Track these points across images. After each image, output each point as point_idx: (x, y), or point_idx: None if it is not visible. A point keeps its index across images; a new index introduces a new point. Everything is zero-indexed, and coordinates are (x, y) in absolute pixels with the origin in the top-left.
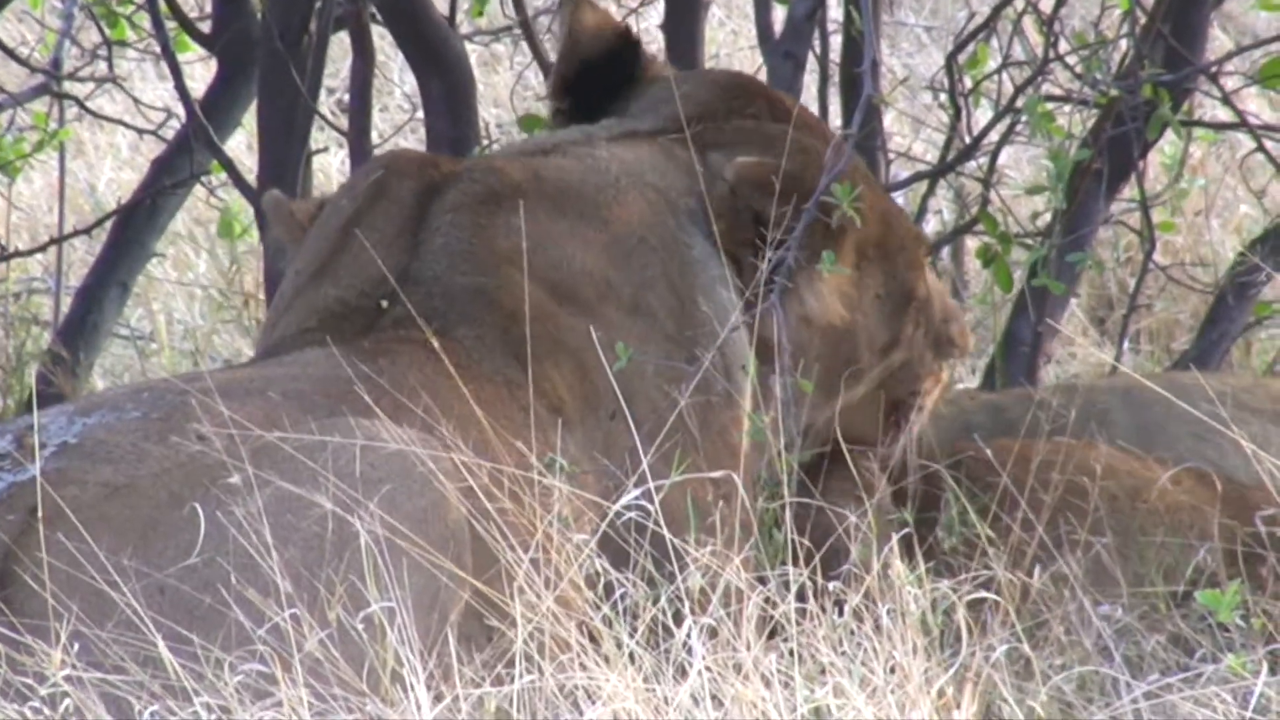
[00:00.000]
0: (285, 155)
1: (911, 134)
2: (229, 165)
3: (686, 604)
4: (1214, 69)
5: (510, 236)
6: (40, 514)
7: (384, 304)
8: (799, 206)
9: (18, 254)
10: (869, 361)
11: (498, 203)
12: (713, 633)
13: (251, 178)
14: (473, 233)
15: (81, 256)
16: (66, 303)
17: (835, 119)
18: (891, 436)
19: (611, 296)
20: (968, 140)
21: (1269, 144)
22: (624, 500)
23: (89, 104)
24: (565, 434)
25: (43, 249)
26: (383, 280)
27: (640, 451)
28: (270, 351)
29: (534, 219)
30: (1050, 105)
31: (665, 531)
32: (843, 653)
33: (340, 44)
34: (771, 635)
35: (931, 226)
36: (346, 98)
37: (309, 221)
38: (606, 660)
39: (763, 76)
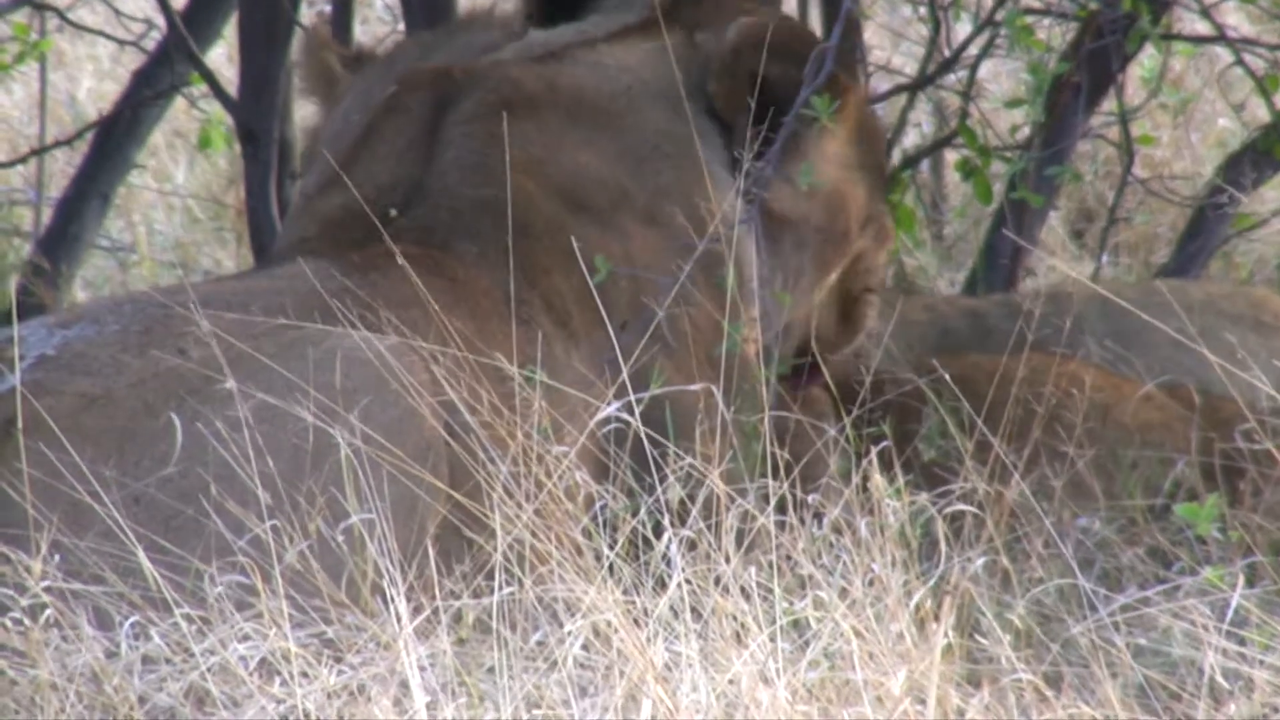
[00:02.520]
0: (266, 67)
1: (891, 47)
2: (209, 76)
3: (666, 516)
4: None
5: (524, 146)
6: (20, 425)
7: (392, 213)
8: (798, 66)
9: None
10: (855, 235)
11: (512, 112)
12: (692, 545)
13: (232, 89)
14: (485, 143)
15: (62, 168)
16: (47, 214)
17: (816, 31)
18: (848, 336)
19: (626, 205)
20: (947, 53)
21: (1248, 57)
22: (603, 413)
23: (69, 15)
24: (570, 346)
25: (23, 160)
26: (391, 189)
27: (621, 362)
28: (267, 261)
29: (548, 128)
30: (1029, 19)
31: (646, 443)
32: (821, 565)
33: None
34: (750, 548)
35: (911, 140)
36: (328, 8)
37: (343, 69)
38: (585, 573)
39: None
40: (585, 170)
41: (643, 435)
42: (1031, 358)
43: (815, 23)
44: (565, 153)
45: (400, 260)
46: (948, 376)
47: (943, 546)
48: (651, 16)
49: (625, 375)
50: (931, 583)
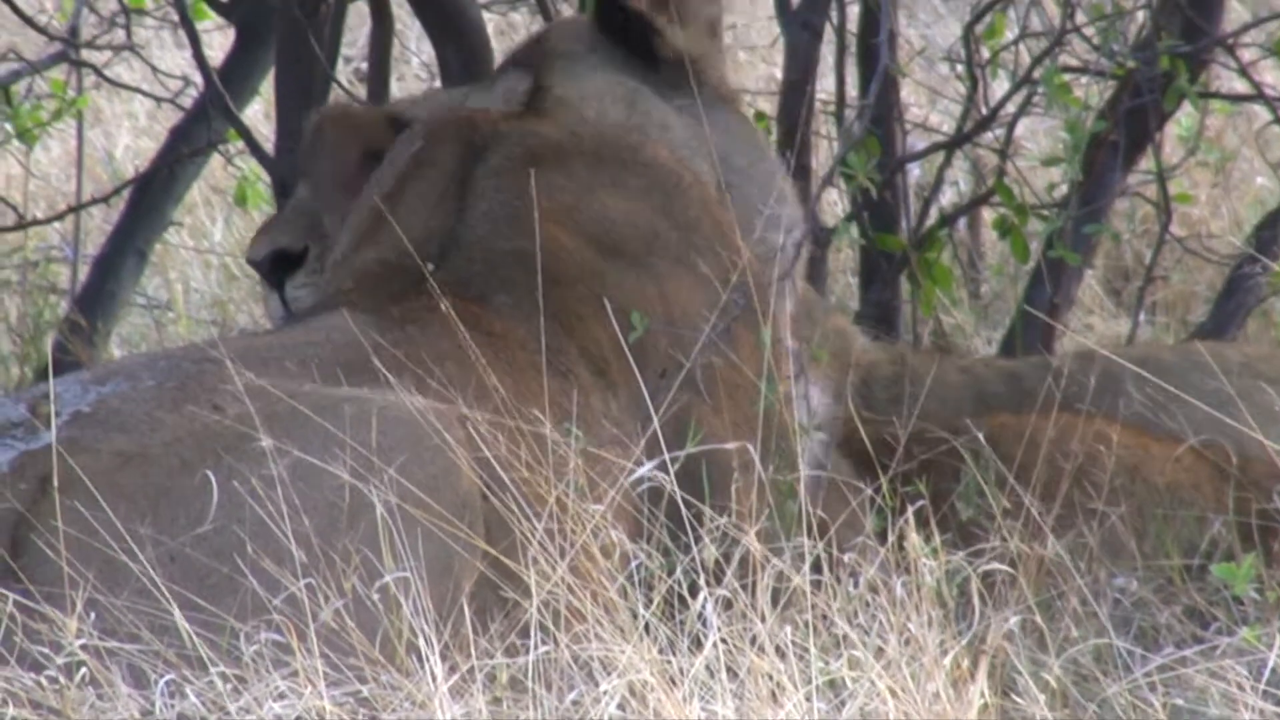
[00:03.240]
0: (302, 123)
1: (928, 105)
2: (246, 133)
3: (702, 575)
4: (1231, 40)
5: (554, 195)
6: (56, 483)
7: (429, 267)
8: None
9: (36, 222)
10: None
11: (540, 162)
12: (728, 604)
13: (269, 146)
14: (516, 195)
15: (99, 225)
16: (84, 271)
17: (852, 89)
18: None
19: (659, 245)
20: (984, 111)
21: None
22: (638, 473)
23: (107, 72)
24: (609, 395)
25: (60, 217)
26: (425, 242)
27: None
28: (302, 316)
29: (576, 175)
30: (1067, 76)
31: (681, 503)
32: (857, 624)
33: (358, 12)
34: (786, 607)
35: (948, 197)
36: (364, 66)
37: (374, 129)
38: (622, 631)
39: (780, 48)
40: (615, 214)
41: (678, 496)
42: (1059, 417)
43: (852, 82)
44: (594, 198)
45: (445, 309)
46: (980, 436)
47: (977, 605)
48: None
49: (657, 426)
50: (965, 641)
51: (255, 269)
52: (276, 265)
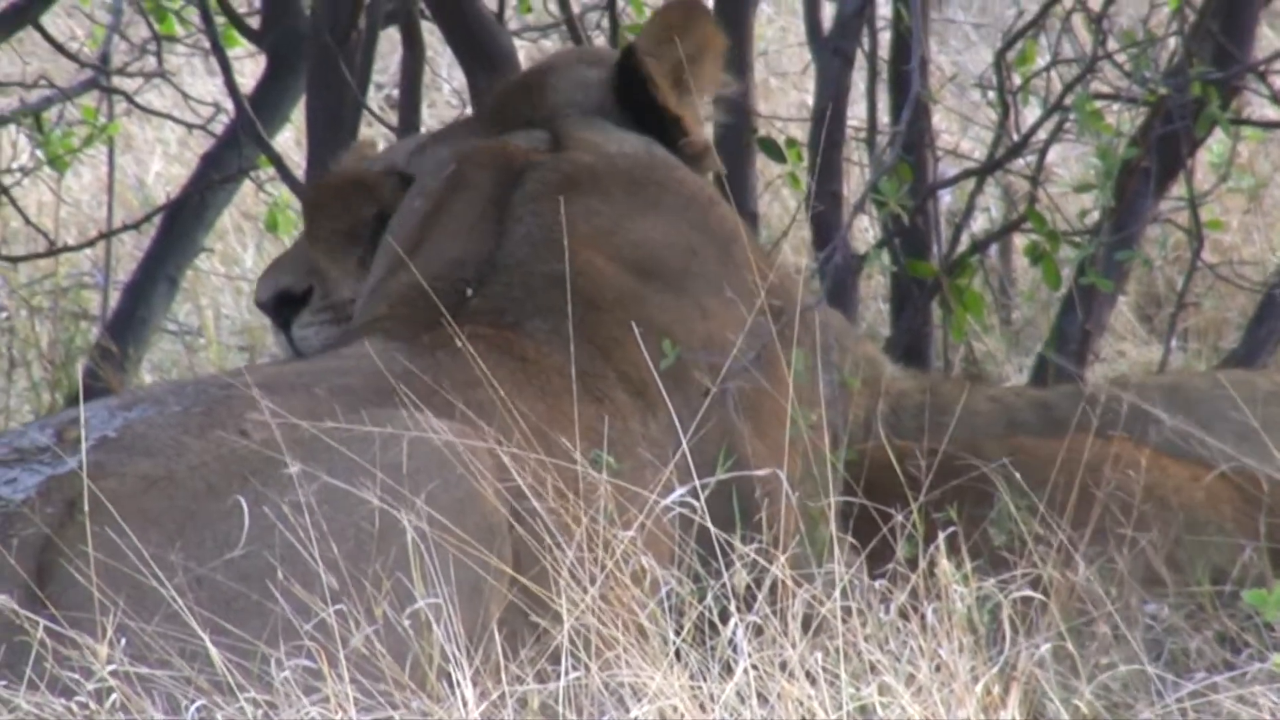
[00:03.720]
0: (333, 150)
1: (960, 131)
2: (277, 160)
3: (733, 601)
4: (1263, 67)
5: (590, 220)
6: (86, 508)
7: (469, 293)
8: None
9: (67, 249)
10: None
11: (576, 187)
12: (758, 630)
13: (300, 173)
14: (553, 220)
15: (130, 251)
16: (115, 297)
17: (884, 116)
18: None
19: (697, 265)
20: (1016, 138)
21: None
22: (669, 499)
23: (138, 99)
24: (648, 417)
25: (91, 243)
26: (461, 265)
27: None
28: (335, 343)
29: (613, 200)
30: (1099, 103)
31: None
32: (888, 651)
33: (389, 39)
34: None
35: (979, 224)
36: (395, 93)
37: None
38: (652, 657)
39: (811, 74)
40: (654, 235)
41: (709, 523)
42: (1079, 442)
43: (883, 108)
44: (631, 221)
45: (461, 343)
46: (1006, 461)
47: (1007, 631)
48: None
49: (685, 448)
50: (996, 668)
51: (261, 310)
52: (281, 306)
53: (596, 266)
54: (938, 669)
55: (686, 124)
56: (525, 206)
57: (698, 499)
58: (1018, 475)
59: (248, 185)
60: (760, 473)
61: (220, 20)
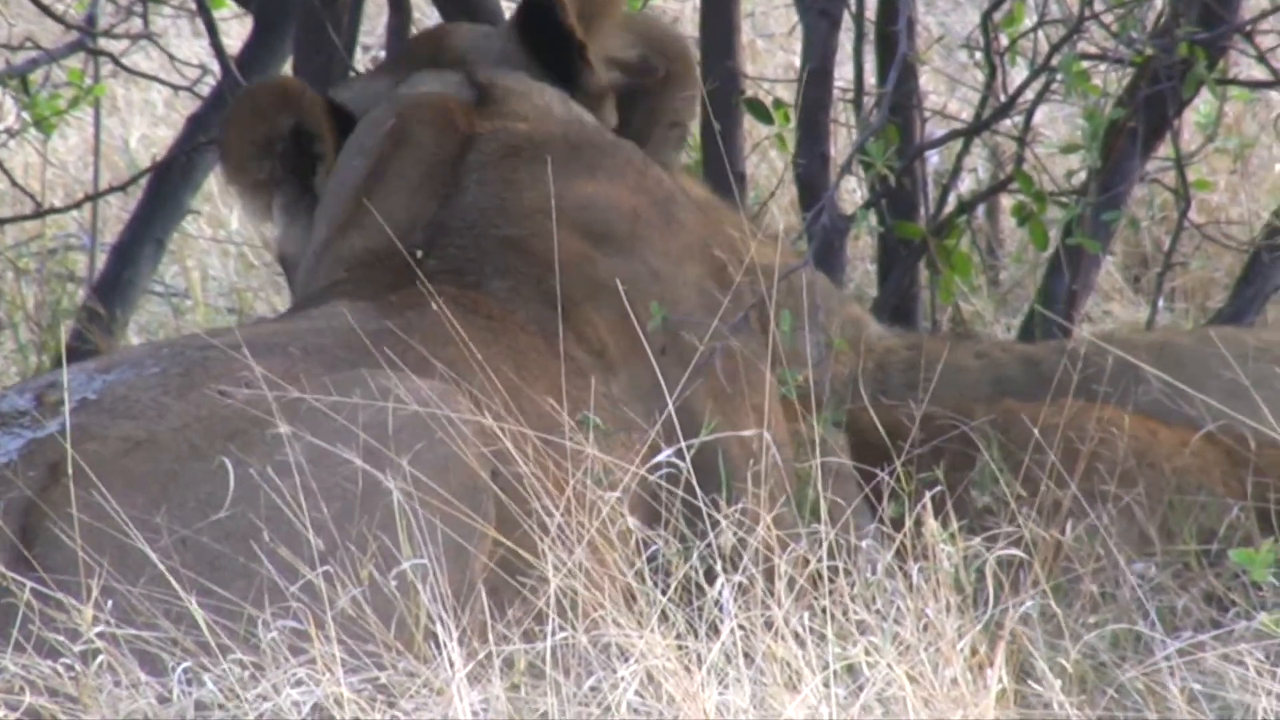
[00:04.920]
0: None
1: (947, 92)
2: None
3: (719, 561)
4: (1249, 27)
5: (535, 186)
6: (70, 471)
7: (419, 254)
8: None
9: (53, 210)
10: None
11: (519, 155)
12: (744, 590)
13: None
14: (501, 188)
15: (116, 213)
16: (101, 259)
17: (871, 77)
18: None
19: (643, 226)
20: (1003, 99)
21: None
22: (656, 459)
23: (124, 60)
24: (609, 378)
25: (78, 205)
26: (410, 229)
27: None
28: (299, 306)
29: (556, 165)
30: (1086, 64)
31: (698, 489)
32: (875, 610)
33: (376, 0)
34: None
35: (967, 185)
36: (382, 54)
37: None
38: (639, 617)
39: (798, 35)
40: (598, 199)
41: (695, 484)
42: (1069, 404)
43: (870, 69)
44: (576, 186)
45: (435, 305)
46: (989, 422)
47: (991, 589)
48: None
49: (672, 410)
50: (980, 625)
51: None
52: None
53: (548, 230)
54: (924, 628)
55: (589, 56)
56: (470, 176)
57: (683, 459)
58: (1003, 437)
59: None
60: (748, 433)
61: None
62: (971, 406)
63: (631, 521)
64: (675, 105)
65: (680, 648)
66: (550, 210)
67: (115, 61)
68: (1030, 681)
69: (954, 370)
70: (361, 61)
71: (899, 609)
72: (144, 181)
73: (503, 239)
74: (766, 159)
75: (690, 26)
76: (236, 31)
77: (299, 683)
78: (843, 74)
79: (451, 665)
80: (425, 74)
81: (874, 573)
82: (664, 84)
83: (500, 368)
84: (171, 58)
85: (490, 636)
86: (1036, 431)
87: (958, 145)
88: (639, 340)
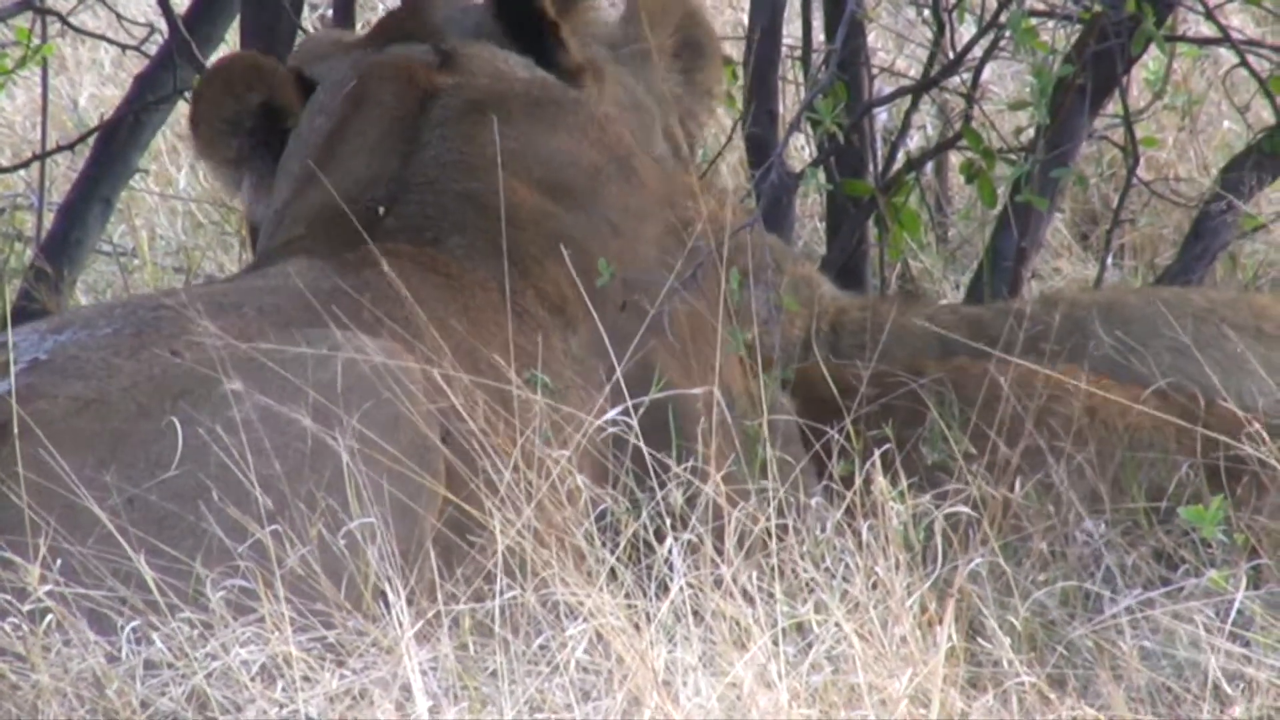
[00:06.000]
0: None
1: (895, 49)
2: None
3: (667, 520)
4: None
5: (499, 142)
6: (16, 429)
7: (380, 211)
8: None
9: (0, 170)
10: None
11: (481, 112)
12: (693, 549)
13: None
14: (462, 143)
15: (64, 173)
16: (49, 219)
17: (819, 34)
18: None
19: (603, 183)
20: (951, 56)
21: (1252, 59)
22: (604, 418)
23: (71, 19)
24: (568, 334)
25: (25, 165)
26: (371, 184)
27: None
28: (257, 264)
29: (516, 122)
30: (1034, 21)
31: (645, 448)
32: (824, 568)
33: None
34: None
35: (915, 142)
36: (330, 13)
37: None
38: (588, 576)
39: None
40: (559, 155)
41: (642, 444)
42: (1022, 363)
43: (818, 27)
44: (535, 142)
45: (385, 267)
46: (941, 379)
47: (940, 547)
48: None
49: (620, 372)
50: (929, 584)
51: None
52: None
53: (509, 185)
54: (874, 586)
55: (563, 35)
56: (432, 132)
57: (630, 417)
58: (954, 395)
59: (182, 106)
60: (695, 390)
61: None
62: (925, 364)
63: (581, 480)
64: (708, 76)
65: (629, 606)
66: (509, 165)
67: (63, 21)
68: (980, 640)
69: (904, 331)
70: (309, 20)
71: (848, 567)
72: (92, 141)
73: (462, 194)
74: (714, 116)
75: None
76: None
77: (248, 642)
78: (791, 31)
79: (400, 624)
80: (395, 46)
81: (823, 530)
82: (696, 58)
83: (455, 325)
84: (119, 17)
85: (439, 595)
86: (990, 388)
87: (906, 102)
88: (598, 294)
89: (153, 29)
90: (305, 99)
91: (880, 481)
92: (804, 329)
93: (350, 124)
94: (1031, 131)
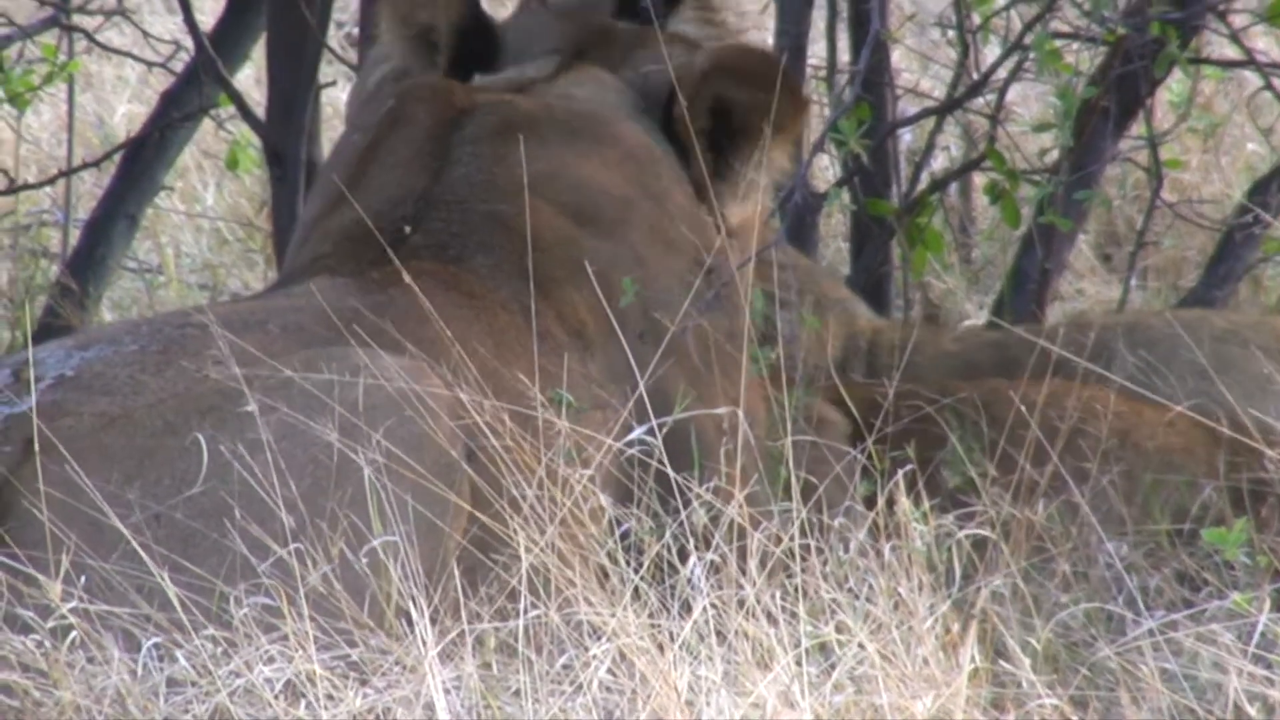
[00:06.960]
0: (294, 88)
1: (919, 70)
2: (237, 98)
3: (691, 540)
4: (1222, 6)
5: (529, 164)
6: (37, 446)
7: (407, 230)
8: (764, 91)
9: (26, 186)
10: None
11: (514, 133)
12: (716, 569)
13: (260, 111)
14: (493, 163)
15: (90, 189)
16: (75, 235)
17: (844, 54)
18: None
19: (633, 214)
20: (975, 77)
21: (1276, 81)
22: (628, 438)
23: (98, 36)
24: (586, 358)
25: (51, 181)
26: (400, 202)
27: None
28: (282, 281)
29: (550, 145)
30: (1058, 42)
31: (668, 468)
32: (847, 589)
33: None
34: (774, 572)
35: (939, 163)
36: (355, 31)
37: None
38: (611, 596)
39: (772, 12)
40: (590, 183)
41: (666, 464)
42: (1051, 382)
43: (843, 46)
44: (569, 167)
45: (407, 277)
46: (970, 399)
47: (958, 569)
48: (570, 59)
49: (643, 391)
50: (949, 604)
51: None
52: None
53: (535, 207)
54: (896, 607)
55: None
56: (463, 149)
57: (655, 436)
58: (978, 415)
59: (208, 123)
60: (718, 410)
61: None
62: (957, 386)
63: (604, 499)
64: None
65: (653, 626)
66: (538, 188)
67: (89, 38)
68: (1002, 660)
69: (933, 353)
70: (335, 38)
71: (871, 587)
72: (117, 158)
73: (489, 214)
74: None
75: None
76: (210, 8)
77: (271, 659)
78: (816, 51)
79: (424, 643)
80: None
81: (846, 551)
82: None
83: (478, 346)
84: (145, 34)
85: (463, 614)
86: (1021, 410)
87: (930, 123)
88: (618, 323)
89: (179, 46)
90: (471, 25)
91: (904, 502)
92: (841, 350)
93: (384, 142)
94: (1056, 153)
